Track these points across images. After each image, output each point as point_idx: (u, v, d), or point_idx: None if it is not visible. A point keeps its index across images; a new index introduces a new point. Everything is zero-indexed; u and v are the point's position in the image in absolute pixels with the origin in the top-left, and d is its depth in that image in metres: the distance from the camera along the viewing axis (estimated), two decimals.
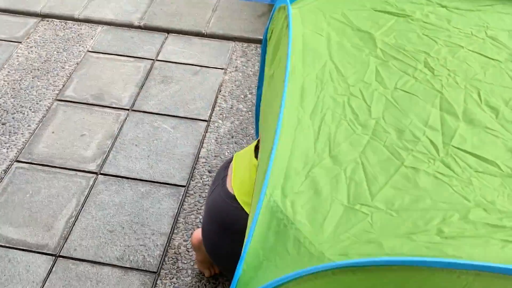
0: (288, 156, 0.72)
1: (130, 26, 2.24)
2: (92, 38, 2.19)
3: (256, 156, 1.12)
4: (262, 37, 2.14)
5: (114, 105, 1.89)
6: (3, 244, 1.46)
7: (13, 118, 1.83)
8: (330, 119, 0.77)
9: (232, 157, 1.23)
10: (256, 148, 1.13)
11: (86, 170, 1.67)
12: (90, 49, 2.13)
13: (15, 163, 1.68)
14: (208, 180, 1.66)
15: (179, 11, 2.30)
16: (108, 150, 1.73)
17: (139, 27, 2.24)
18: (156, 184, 1.63)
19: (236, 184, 1.14)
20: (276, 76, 0.97)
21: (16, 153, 1.71)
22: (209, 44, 2.17)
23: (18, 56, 2.09)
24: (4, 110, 1.85)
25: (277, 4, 1.09)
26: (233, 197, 1.12)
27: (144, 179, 1.65)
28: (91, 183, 1.63)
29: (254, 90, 1.98)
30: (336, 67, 0.88)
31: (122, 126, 1.81)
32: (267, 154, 0.75)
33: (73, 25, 2.25)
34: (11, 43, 2.15)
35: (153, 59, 2.09)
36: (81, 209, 1.55)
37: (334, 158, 0.70)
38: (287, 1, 1.02)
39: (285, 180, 0.70)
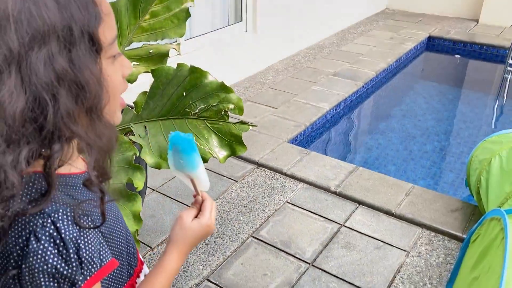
0: None
1: (326, 189, 2.52)
2: (292, 192, 2.52)
3: None
4: (451, 231, 2.16)
5: (297, 256, 2.07)
6: None
7: (214, 241, 2.16)
8: None
9: None
10: None
11: None
12: (288, 201, 2.45)
13: (205, 281, 1.94)
14: None
15: (374, 187, 2.50)
16: None
17: (334, 193, 2.50)
18: None
19: None
20: (483, 281, 1.00)
21: (208, 272, 1.98)
22: (396, 224, 2.27)
23: (232, 192, 2.53)
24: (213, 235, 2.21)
25: (490, 214, 1.16)
26: None
27: None
28: None
29: (435, 281, 1.94)
30: None
31: (300, 277, 1.96)
32: None
33: (280, 177, 2.65)
34: (230, 180, 2.62)
35: (340, 224, 2.27)
36: None
37: None
38: (503, 214, 1.08)
39: None
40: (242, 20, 3.92)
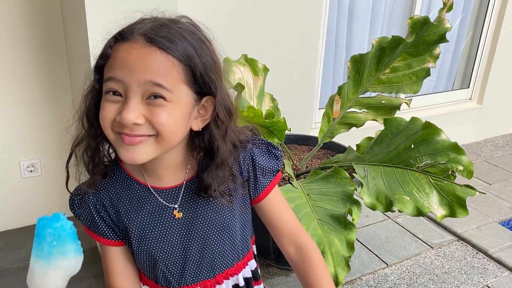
0: None
1: None
2: (495, 278, 2.27)
3: None
4: None
5: None
6: None
7: None
8: None
9: None
10: None
11: None
12: (489, 285, 2.21)
13: None
14: None
15: None
16: None
17: None
18: None
19: None
20: None
21: None
22: None
23: (425, 257, 2.42)
24: None
25: None
26: None
27: None
28: None
29: None
30: None
31: None
32: None
33: (483, 258, 2.42)
34: (425, 244, 2.52)
35: None
36: None
37: None
38: None
39: None
40: (468, 87, 3.77)
